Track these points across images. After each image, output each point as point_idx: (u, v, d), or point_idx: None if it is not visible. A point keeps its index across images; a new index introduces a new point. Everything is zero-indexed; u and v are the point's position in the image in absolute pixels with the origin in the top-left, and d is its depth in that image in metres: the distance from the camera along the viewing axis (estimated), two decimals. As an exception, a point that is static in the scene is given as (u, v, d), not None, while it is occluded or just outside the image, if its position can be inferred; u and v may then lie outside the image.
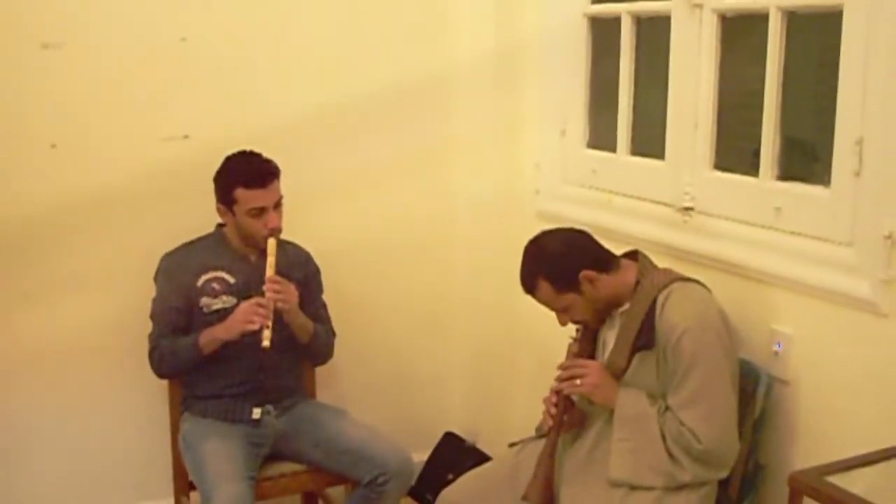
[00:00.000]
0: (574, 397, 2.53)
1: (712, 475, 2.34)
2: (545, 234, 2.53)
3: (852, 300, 2.22)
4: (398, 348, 3.68)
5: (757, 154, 2.52)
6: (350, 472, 2.99)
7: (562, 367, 2.52)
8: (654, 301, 2.37)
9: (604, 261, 2.47)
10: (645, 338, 2.37)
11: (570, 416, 2.53)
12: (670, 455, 2.32)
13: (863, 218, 2.20)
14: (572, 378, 2.47)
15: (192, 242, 3.07)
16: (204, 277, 2.99)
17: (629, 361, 2.41)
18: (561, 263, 2.44)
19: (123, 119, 3.12)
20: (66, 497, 3.25)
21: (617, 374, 2.44)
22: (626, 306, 2.45)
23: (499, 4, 3.47)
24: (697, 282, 2.43)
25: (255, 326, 2.81)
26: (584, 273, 2.42)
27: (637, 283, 2.44)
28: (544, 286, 2.45)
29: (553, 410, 2.49)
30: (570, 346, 2.58)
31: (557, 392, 2.50)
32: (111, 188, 3.13)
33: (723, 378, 2.31)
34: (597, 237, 2.54)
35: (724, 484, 2.40)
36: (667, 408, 2.34)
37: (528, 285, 2.50)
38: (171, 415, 3.15)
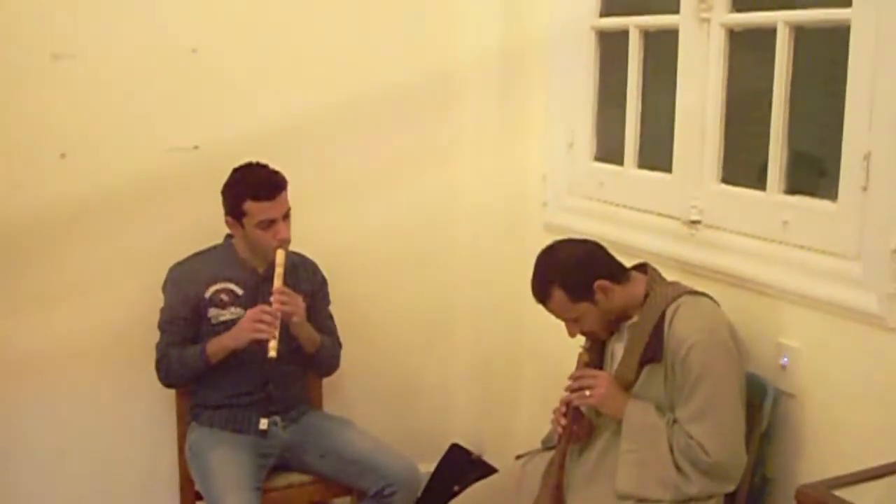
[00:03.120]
0: (583, 408, 2.53)
1: (719, 488, 2.34)
2: (559, 244, 2.53)
3: (859, 314, 2.22)
4: (404, 359, 3.68)
5: (764, 168, 2.53)
6: (356, 483, 3.00)
7: (572, 378, 2.52)
8: (663, 314, 2.37)
9: (616, 272, 2.48)
10: (653, 351, 2.37)
11: (579, 426, 2.53)
12: (678, 468, 2.31)
13: (870, 232, 2.20)
14: (582, 389, 2.47)
15: (200, 253, 3.08)
16: (212, 288, 3.00)
17: (637, 374, 2.41)
18: (576, 272, 2.44)
19: (133, 129, 3.14)
20: (72, 506, 3.26)
21: (625, 386, 2.44)
22: (635, 319, 2.45)
23: (505, 16, 3.48)
24: (706, 295, 2.43)
25: (264, 336, 2.82)
26: (599, 282, 2.42)
27: (646, 295, 2.44)
28: (558, 295, 2.45)
29: (563, 421, 2.50)
30: (580, 355, 2.57)
31: (567, 402, 2.50)
32: (120, 198, 3.15)
33: (731, 392, 2.31)
34: (605, 249, 2.55)
35: (730, 497, 2.40)
36: (675, 421, 2.35)
37: (541, 294, 2.49)
38: (178, 424, 3.16)
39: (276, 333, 2.82)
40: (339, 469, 3.01)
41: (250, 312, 2.88)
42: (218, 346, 2.93)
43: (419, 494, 3.18)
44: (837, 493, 1.85)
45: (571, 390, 2.49)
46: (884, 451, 2.06)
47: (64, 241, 3.11)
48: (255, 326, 2.84)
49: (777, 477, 2.47)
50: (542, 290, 2.48)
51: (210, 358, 2.94)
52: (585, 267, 2.45)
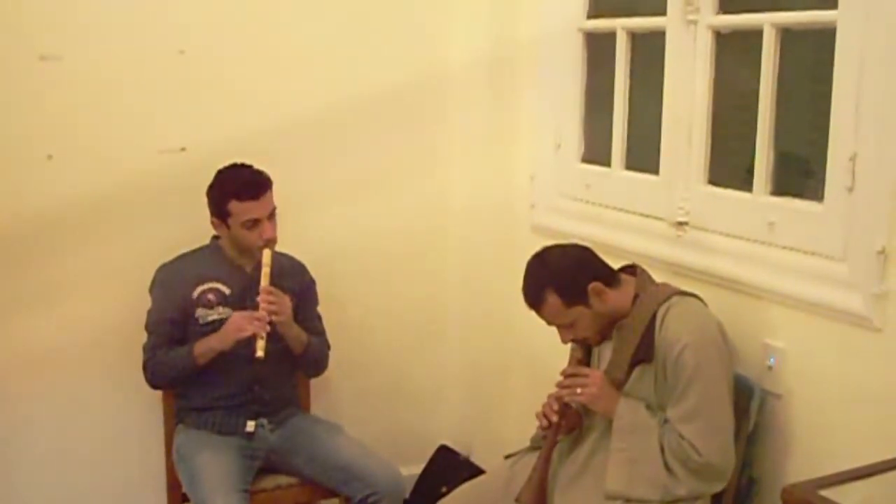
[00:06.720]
0: (573, 404, 2.53)
1: (708, 489, 2.34)
2: (549, 249, 2.52)
3: (845, 315, 2.22)
4: (392, 360, 3.68)
5: (751, 169, 2.53)
6: (342, 489, 3.00)
7: (564, 374, 2.51)
8: (654, 315, 2.37)
9: (608, 275, 2.47)
10: (644, 351, 2.37)
11: (567, 418, 2.53)
12: (667, 468, 2.32)
13: (856, 233, 2.20)
14: (574, 386, 2.46)
15: (187, 254, 3.07)
16: (199, 289, 2.99)
17: (628, 375, 2.42)
18: (570, 276, 2.42)
19: (120, 131, 3.13)
20: (59, 509, 3.24)
21: (615, 386, 2.44)
22: (625, 319, 2.45)
23: (493, 18, 3.48)
24: (695, 296, 2.44)
25: (248, 333, 2.82)
26: (593, 285, 2.41)
27: (636, 296, 2.44)
28: (552, 299, 2.42)
29: (554, 417, 2.49)
30: (573, 350, 2.56)
31: (558, 399, 2.49)
32: (107, 199, 3.14)
33: (722, 392, 2.31)
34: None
35: (717, 498, 2.41)
36: (666, 420, 2.35)
37: (535, 299, 2.46)
38: (165, 427, 3.15)
39: (264, 333, 2.82)
40: (324, 474, 3.00)
41: (236, 315, 2.88)
42: (205, 347, 2.92)
43: (407, 496, 3.17)
44: (823, 493, 1.85)
45: (562, 387, 2.49)
46: (870, 451, 2.06)
47: (50, 242, 3.10)
48: (242, 327, 2.84)
49: (763, 477, 2.48)
50: (535, 295, 2.45)
51: (198, 359, 2.93)
52: (578, 270, 2.44)
